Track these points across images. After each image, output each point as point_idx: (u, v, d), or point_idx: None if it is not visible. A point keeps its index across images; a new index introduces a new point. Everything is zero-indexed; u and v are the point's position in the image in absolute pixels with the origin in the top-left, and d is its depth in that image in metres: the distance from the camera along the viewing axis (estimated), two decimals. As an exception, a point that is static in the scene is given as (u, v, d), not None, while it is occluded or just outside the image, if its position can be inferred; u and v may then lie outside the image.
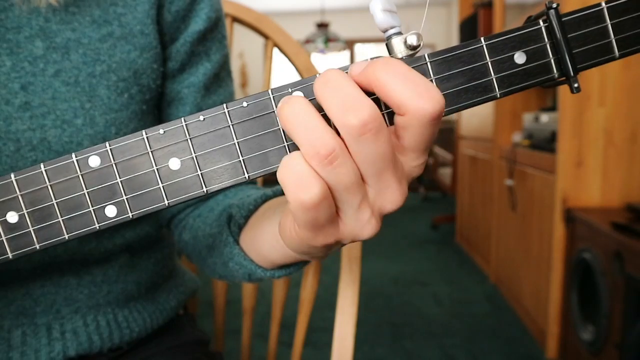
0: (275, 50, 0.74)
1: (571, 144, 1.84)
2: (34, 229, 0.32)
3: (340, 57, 5.98)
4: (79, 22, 0.48)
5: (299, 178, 0.27)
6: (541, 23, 0.29)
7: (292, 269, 0.46)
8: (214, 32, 0.57)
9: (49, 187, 0.31)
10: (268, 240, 0.42)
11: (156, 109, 0.55)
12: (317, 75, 0.29)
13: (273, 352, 0.76)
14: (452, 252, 3.48)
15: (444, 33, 5.91)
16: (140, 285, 0.56)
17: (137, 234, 0.54)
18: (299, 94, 0.30)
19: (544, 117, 2.18)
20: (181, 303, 0.61)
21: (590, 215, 1.72)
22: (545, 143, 2.09)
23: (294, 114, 0.28)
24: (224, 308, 0.78)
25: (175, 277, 0.63)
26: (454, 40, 5.51)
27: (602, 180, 1.84)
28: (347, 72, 0.29)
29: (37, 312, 0.50)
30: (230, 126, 0.31)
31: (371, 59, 0.30)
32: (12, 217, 0.32)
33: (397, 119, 0.28)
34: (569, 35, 0.29)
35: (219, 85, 0.59)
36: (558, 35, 0.29)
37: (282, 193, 0.48)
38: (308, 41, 5.35)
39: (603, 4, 0.29)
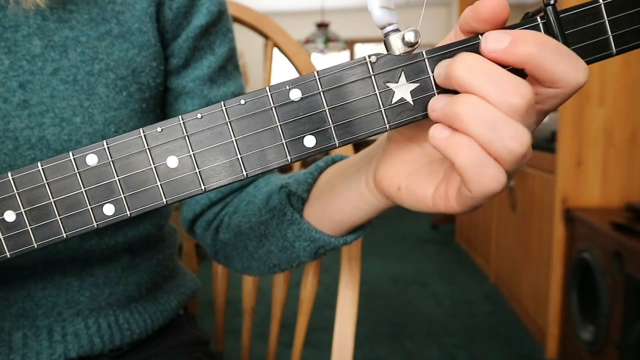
0: (275, 50, 0.74)
1: (571, 144, 1.84)
2: (31, 228, 0.32)
3: (340, 57, 5.97)
4: (77, 20, 0.48)
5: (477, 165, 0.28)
6: (539, 19, 0.29)
7: (361, 231, 0.46)
8: (217, 26, 0.56)
9: (47, 185, 0.31)
10: (351, 203, 0.42)
11: (158, 107, 0.55)
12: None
13: (273, 352, 0.76)
14: (452, 252, 3.48)
15: (443, 33, 5.90)
16: (141, 287, 0.56)
17: (139, 232, 0.54)
18: (297, 91, 0.30)
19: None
20: (182, 303, 0.61)
21: (590, 215, 1.72)
22: (545, 143, 2.09)
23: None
24: (224, 308, 0.78)
25: (176, 277, 0.63)
26: (454, 41, 5.48)
27: (602, 180, 1.84)
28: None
29: (38, 315, 0.50)
30: (228, 124, 0.30)
31: (369, 56, 0.30)
32: (9, 215, 0.32)
33: (546, 90, 0.29)
34: (566, 32, 0.29)
35: (227, 77, 0.58)
36: (555, 32, 0.28)
37: (333, 162, 0.48)
38: (308, 41, 5.34)
39: (600, 1, 0.29)
